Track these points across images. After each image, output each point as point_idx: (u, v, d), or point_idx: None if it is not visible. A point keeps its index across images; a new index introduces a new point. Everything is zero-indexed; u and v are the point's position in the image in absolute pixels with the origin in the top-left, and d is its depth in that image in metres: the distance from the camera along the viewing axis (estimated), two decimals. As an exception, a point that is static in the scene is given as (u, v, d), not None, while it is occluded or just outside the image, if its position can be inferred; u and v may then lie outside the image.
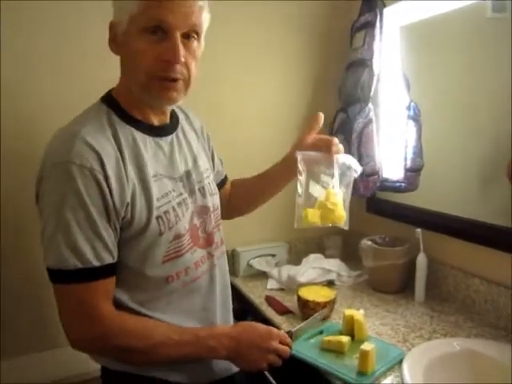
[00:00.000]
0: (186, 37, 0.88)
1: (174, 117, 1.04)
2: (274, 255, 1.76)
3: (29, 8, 1.35)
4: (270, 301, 1.47)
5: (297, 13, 1.75)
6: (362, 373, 1.05)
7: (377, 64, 1.59)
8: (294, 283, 1.54)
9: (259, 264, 1.70)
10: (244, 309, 1.48)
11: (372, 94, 1.62)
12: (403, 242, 1.54)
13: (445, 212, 1.46)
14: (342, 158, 1.05)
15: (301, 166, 1.03)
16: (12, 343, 1.43)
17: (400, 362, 1.09)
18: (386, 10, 1.60)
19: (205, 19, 0.91)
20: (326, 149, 1.04)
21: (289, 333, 1.07)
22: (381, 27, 1.59)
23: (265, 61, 1.74)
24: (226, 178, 1.30)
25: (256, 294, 1.54)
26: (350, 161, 1.06)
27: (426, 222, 1.49)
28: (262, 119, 1.77)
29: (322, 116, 1.09)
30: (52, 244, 0.82)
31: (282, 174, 1.19)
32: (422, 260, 1.45)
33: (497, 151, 1.34)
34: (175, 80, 0.88)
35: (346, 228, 1.07)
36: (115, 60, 0.94)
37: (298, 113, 1.83)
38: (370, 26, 1.60)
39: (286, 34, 1.76)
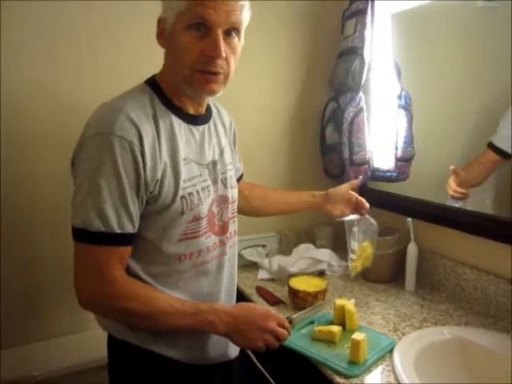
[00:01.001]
0: (228, 33, 0.93)
1: (208, 110, 1.09)
2: (264, 246, 1.75)
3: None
4: (260, 291, 1.47)
5: (287, 2, 1.73)
6: (353, 362, 1.05)
7: (368, 52, 1.58)
8: (285, 273, 1.53)
9: (250, 254, 1.69)
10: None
11: (363, 82, 1.61)
12: (394, 231, 1.54)
13: (435, 201, 1.46)
14: (368, 217, 1.34)
15: (347, 229, 1.33)
16: (11, 333, 1.43)
17: (391, 350, 1.10)
18: (377, -3, 1.58)
19: (245, 17, 0.96)
20: (361, 210, 1.32)
21: (288, 319, 1.07)
22: (372, 15, 1.57)
23: (254, 49, 1.71)
24: (242, 175, 1.37)
25: (247, 284, 1.53)
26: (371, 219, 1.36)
27: (416, 212, 1.49)
28: (252, 108, 1.75)
29: (361, 178, 1.48)
30: (82, 205, 0.88)
31: (308, 207, 1.40)
32: (412, 249, 1.45)
33: (486, 140, 1.34)
34: (216, 73, 0.94)
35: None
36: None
37: (289, 102, 1.81)
38: (361, 13, 1.58)
39: (276, 23, 1.73)
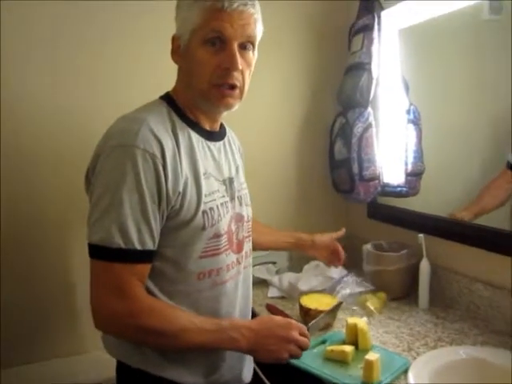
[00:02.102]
0: (243, 47, 0.94)
1: (222, 127, 1.10)
2: (274, 262, 1.74)
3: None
4: (271, 309, 1.45)
5: (295, 16, 1.75)
6: (366, 383, 1.03)
7: (375, 67, 1.58)
8: (296, 291, 1.51)
9: (260, 272, 1.68)
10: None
11: (371, 97, 1.60)
12: (405, 246, 1.52)
13: (447, 217, 1.44)
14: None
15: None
16: (12, 352, 1.42)
17: (405, 371, 1.07)
18: (383, 13, 1.59)
19: (259, 31, 0.97)
20: (334, 261, 1.47)
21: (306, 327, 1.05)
22: (379, 30, 1.58)
23: (263, 65, 1.70)
24: None
25: (257, 302, 1.51)
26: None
27: (428, 227, 1.47)
28: (261, 123, 1.76)
29: (344, 230, 1.48)
30: (100, 220, 0.86)
31: (293, 248, 1.49)
32: (424, 266, 1.43)
33: (498, 154, 1.32)
34: (233, 87, 0.95)
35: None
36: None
37: (297, 117, 1.82)
38: (368, 29, 1.59)
39: (284, 38, 1.75)
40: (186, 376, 0.98)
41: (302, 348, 0.98)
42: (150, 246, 0.89)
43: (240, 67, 0.93)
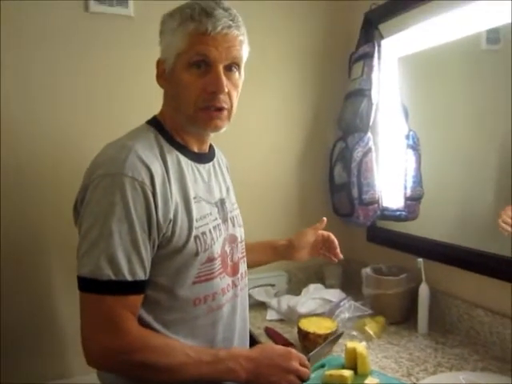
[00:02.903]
0: (228, 69, 0.94)
1: (211, 148, 1.10)
2: (273, 285, 1.73)
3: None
4: (269, 332, 1.44)
5: (296, 43, 1.79)
6: (366, 409, 1.02)
7: (375, 94, 1.61)
8: (294, 314, 1.51)
9: (258, 294, 1.67)
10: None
11: (371, 123, 1.63)
12: (404, 271, 1.52)
13: (446, 241, 1.45)
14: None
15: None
16: (11, 374, 1.40)
17: (405, 397, 1.06)
18: (383, 42, 1.63)
19: (245, 52, 0.97)
20: (333, 249, 1.30)
21: (306, 357, 1.03)
22: (379, 58, 1.61)
23: (264, 91, 1.76)
24: None
25: (255, 325, 1.50)
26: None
27: (427, 251, 1.48)
28: (261, 147, 1.78)
29: (325, 220, 1.31)
30: (90, 252, 0.83)
31: (274, 259, 1.37)
32: (424, 290, 1.43)
33: (498, 178, 1.34)
34: (220, 109, 0.94)
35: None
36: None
37: (298, 141, 1.84)
38: (368, 56, 1.62)
39: (285, 64, 1.79)
40: None
41: (303, 379, 0.96)
42: (141, 276, 0.86)
43: (226, 89, 0.92)
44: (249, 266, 1.19)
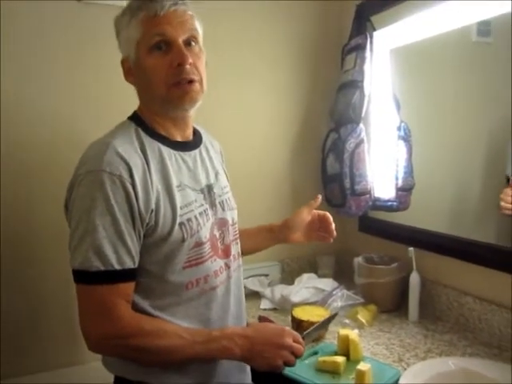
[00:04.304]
0: (188, 43, 0.97)
1: (197, 135, 1.11)
2: (266, 275, 1.75)
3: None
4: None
5: (289, 35, 1.79)
6: (358, 393, 1.04)
7: (368, 85, 1.63)
8: (288, 303, 1.53)
9: (252, 284, 1.69)
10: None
11: (363, 114, 1.65)
12: (395, 260, 1.54)
13: (436, 231, 1.48)
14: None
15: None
16: (12, 363, 1.42)
17: (396, 382, 1.09)
18: (376, 34, 1.64)
19: (199, 26, 1.00)
20: (328, 228, 1.25)
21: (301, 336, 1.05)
22: (371, 50, 1.62)
23: (257, 83, 1.77)
24: None
25: (249, 314, 1.52)
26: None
27: (417, 241, 1.50)
28: (256, 138, 1.79)
29: (320, 198, 1.28)
30: (79, 246, 0.88)
31: (271, 242, 1.33)
32: (414, 279, 1.45)
33: (487, 169, 1.36)
34: (191, 81, 0.96)
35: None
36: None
37: (291, 133, 1.85)
38: (360, 48, 1.64)
39: (278, 56, 1.79)
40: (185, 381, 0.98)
41: (296, 355, 0.97)
42: (130, 264, 0.90)
43: (191, 60, 0.95)
44: (246, 253, 1.21)
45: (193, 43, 0.98)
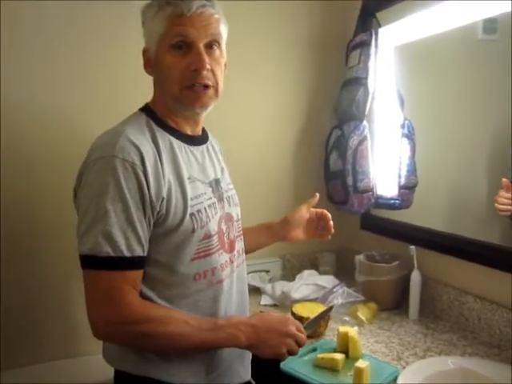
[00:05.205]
0: (209, 46, 0.97)
1: (204, 131, 1.12)
2: (267, 271, 1.76)
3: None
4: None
5: (293, 30, 1.78)
6: (356, 391, 1.04)
7: (372, 82, 1.62)
8: (288, 299, 1.53)
9: (253, 280, 1.69)
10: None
11: (367, 111, 1.64)
12: (396, 258, 1.54)
13: (438, 229, 1.47)
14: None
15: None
16: (12, 354, 1.42)
17: (394, 380, 1.09)
18: (381, 30, 1.63)
19: (223, 29, 1.00)
20: (327, 224, 1.28)
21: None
22: (376, 46, 1.61)
23: (261, 79, 1.76)
24: None
25: (249, 310, 1.52)
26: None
27: (419, 239, 1.50)
28: (258, 135, 1.79)
29: (318, 195, 1.30)
30: (88, 231, 0.87)
31: (269, 240, 1.34)
32: (415, 277, 1.45)
33: (492, 167, 1.36)
34: (206, 86, 0.96)
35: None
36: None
37: (295, 129, 1.85)
38: (365, 45, 1.63)
39: (282, 53, 1.78)
40: (189, 377, 0.99)
41: (299, 344, 0.98)
42: (139, 252, 0.90)
43: (208, 66, 0.95)
44: (246, 252, 1.20)
45: (214, 47, 0.98)
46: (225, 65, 1.03)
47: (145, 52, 1.02)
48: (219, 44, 0.99)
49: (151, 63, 1.00)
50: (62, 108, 1.45)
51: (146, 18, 0.99)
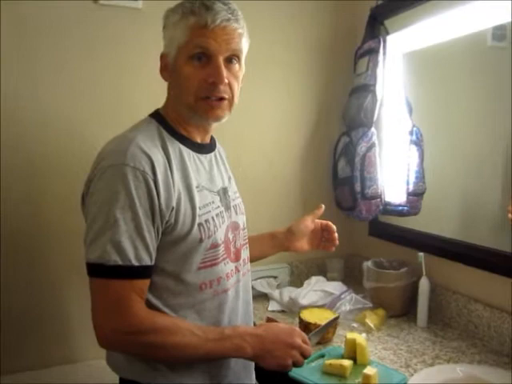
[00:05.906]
0: (228, 61, 0.97)
1: (212, 139, 1.12)
2: (275, 277, 1.76)
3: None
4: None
5: (301, 38, 1.80)
6: (364, 397, 1.04)
7: (380, 89, 1.62)
8: (296, 305, 1.53)
9: (261, 285, 1.70)
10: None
11: (375, 118, 1.64)
12: (405, 264, 1.54)
13: (447, 236, 1.47)
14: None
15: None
16: (12, 359, 1.43)
17: (402, 387, 1.08)
18: (389, 38, 1.63)
19: (244, 45, 1.00)
20: (332, 236, 1.28)
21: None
22: (384, 54, 1.62)
23: (269, 86, 1.77)
24: None
25: (257, 315, 1.53)
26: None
27: (428, 246, 1.50)
28: (266, 142, 1.79)
29: (323, 207, 1.30)
30: (96, 239, 0.87)
31: (273, 250, 1.33)
32: (424, 284, 1.45)
33: (502, 175, 1.35)
34: (221, 99, 0.97)
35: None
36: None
37: (302, 136, 1.85)
38: (373, 52, 1.63)
39: (290, 59, 1.80)
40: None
41: (305, 356, 0.98)
42: (147, 261, 0.89)
43: (226, 80, 0.95)
44: (250, 261, 1.20)
45: (234, 61, 0.98)
46: (241, 79, 1.03)
47: (162, 57, 1.01)
48: (239, 59, 0.99)
49: (168, 69, 0.99)
50: (66, 110, 1.45)
51: (168, 23, 0.98)
